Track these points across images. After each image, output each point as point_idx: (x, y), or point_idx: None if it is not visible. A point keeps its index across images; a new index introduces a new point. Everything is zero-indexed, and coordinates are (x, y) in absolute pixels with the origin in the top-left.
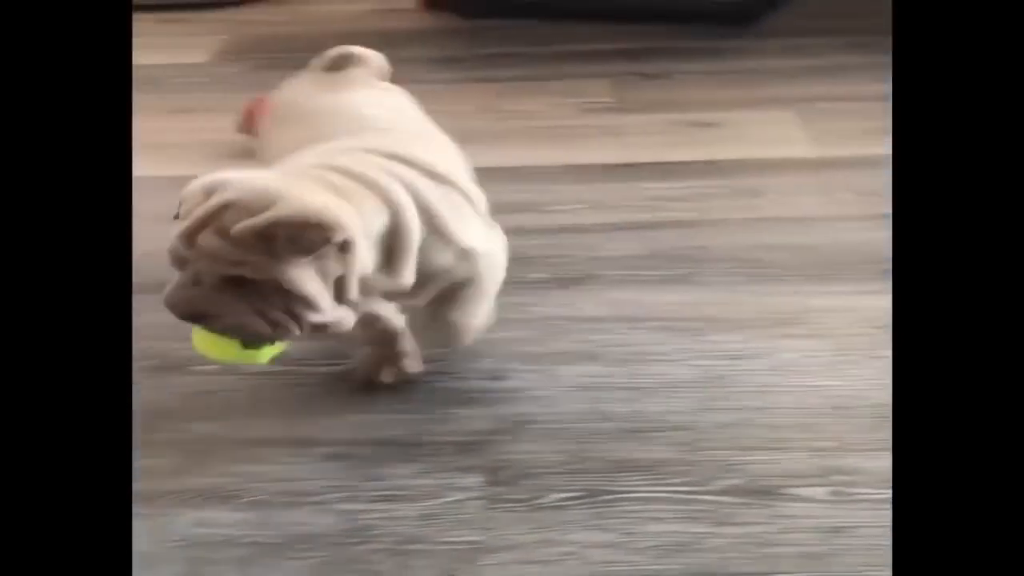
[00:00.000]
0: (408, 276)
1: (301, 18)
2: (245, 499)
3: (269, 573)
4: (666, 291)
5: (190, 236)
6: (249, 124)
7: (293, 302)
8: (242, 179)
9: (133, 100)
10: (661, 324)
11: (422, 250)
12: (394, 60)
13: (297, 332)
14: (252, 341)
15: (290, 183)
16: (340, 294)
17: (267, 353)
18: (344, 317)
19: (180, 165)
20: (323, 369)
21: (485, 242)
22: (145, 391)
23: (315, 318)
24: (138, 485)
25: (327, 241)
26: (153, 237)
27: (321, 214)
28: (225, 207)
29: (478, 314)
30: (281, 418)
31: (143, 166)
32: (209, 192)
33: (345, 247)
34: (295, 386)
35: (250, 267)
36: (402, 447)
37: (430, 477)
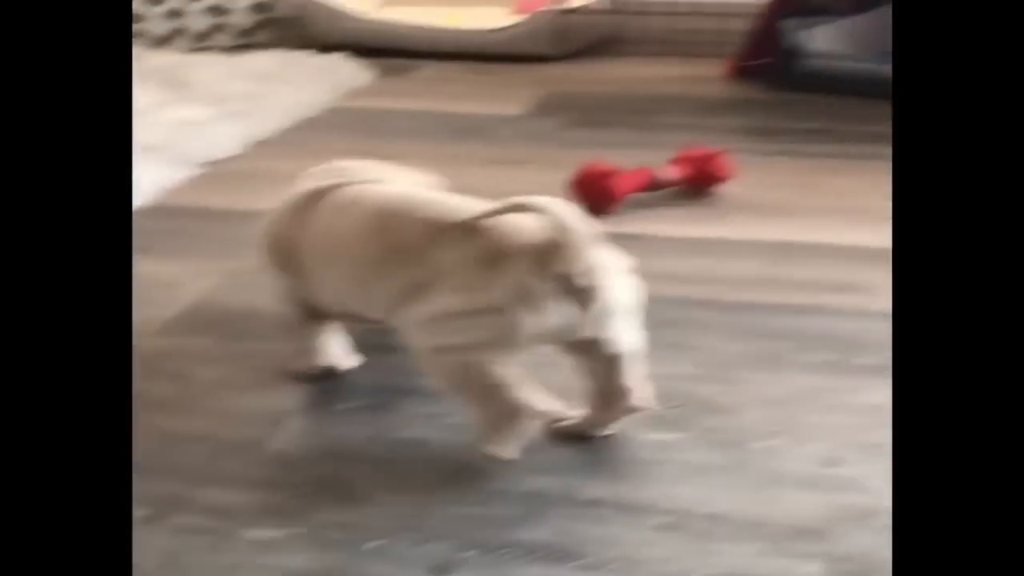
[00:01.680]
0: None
1: (613, 78)
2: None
3: None
4: None
5: None
6: (585, 189)
7: None
8: None
9: (454, 148)
10: None
11: None
12: (708, 127)
13: None
14: None
15: None
16: None
17: None
18: None
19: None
20: (652, 437)
21: None
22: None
23: None
24: (477, 533)
25: None
26: None
27: None
28: None
29: None
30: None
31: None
32: None
33: None
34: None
35: None
36: (737, 525)
37: (770, 558)
